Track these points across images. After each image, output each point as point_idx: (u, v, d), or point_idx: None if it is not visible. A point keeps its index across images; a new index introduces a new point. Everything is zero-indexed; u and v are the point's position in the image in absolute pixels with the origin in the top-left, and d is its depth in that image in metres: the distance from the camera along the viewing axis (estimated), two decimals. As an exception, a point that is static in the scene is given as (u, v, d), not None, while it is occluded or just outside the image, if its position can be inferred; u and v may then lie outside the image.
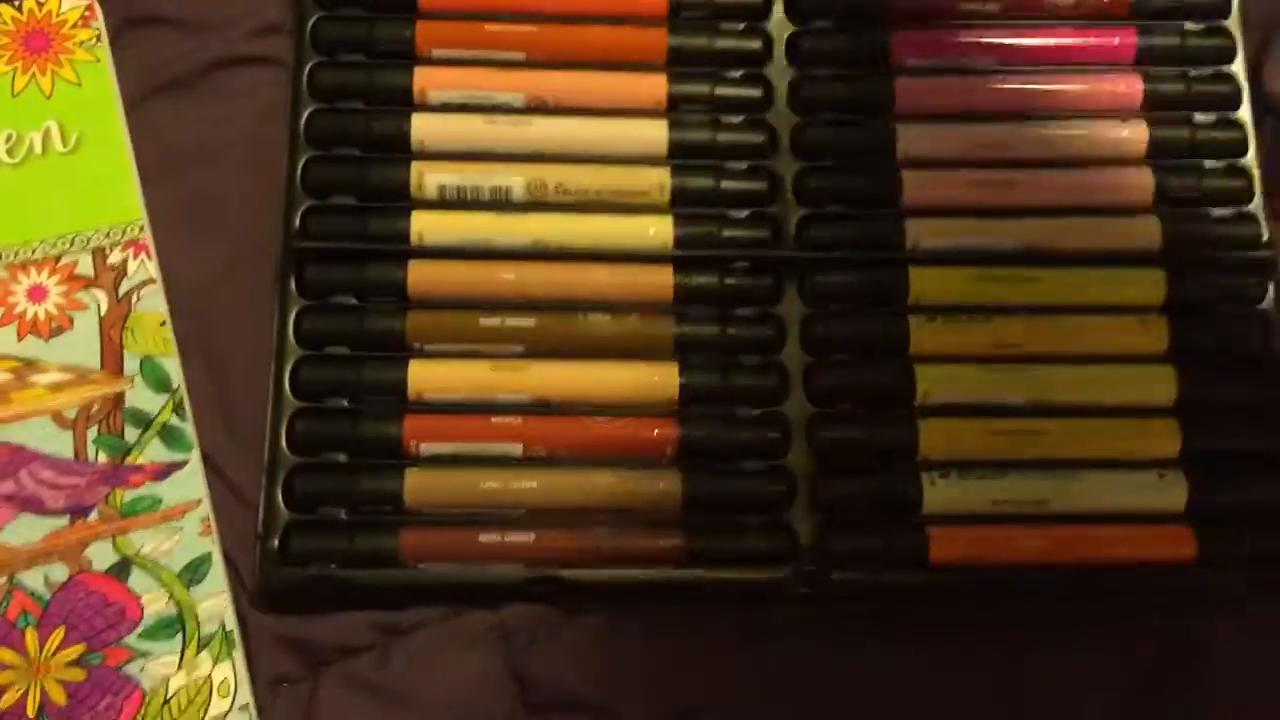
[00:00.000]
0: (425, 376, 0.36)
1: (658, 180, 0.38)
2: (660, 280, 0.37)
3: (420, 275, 0.36)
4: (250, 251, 0.37)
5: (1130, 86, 0.39)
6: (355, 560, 0.34)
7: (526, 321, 0.36)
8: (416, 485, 0.35)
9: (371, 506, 0.35)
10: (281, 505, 0.34)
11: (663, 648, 0.34)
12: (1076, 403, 0.37)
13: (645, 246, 0.37)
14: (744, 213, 0.38)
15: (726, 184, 0.38)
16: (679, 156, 0.38)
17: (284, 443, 0.35)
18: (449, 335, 0.36)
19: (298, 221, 0.37)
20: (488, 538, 0.34)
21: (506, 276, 0.37)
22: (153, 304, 0.35)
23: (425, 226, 0.37)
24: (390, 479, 0.35)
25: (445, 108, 0.38)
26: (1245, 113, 0.39)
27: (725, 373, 0.36)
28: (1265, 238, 0.38)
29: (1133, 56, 0.40)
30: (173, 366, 0.35)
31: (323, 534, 0.34)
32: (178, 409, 0.34)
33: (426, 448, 0.35)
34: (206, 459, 0.35)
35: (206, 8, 0.39)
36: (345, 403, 0.36)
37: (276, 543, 0.34)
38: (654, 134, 0.38)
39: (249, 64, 0.39)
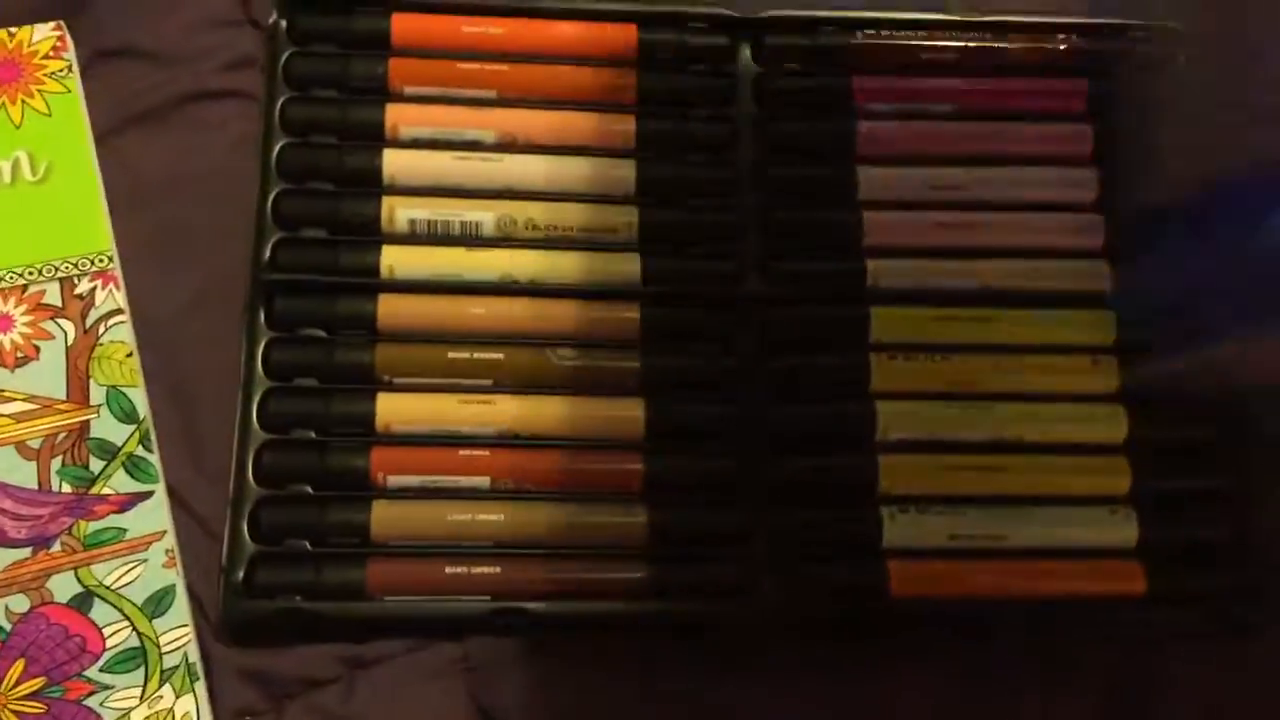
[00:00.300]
0: (393, 409, 0.36)
1: (625, 217, 0.39)
2: (627, 315, 0.38)
3: (390, 308, 0.37)
4: (219, 283, 0.37)
5: (1081, 135, 0.41)
6: (320, 593, 0.34)
7: (495, 355, 0.37)
8: (383, 517, 0.35)
9: (338, 539, 0.35)
10: (247, 537, 0.34)
11: (628, 681, 0.34)
12: (1032, 440, 0.38)
13: (613, 282, 0.38)
14: (709, 249, 0.39)
15: (693, 221, 0.39)
16: (647, 194, 0.39)
17: (250, 474, 0.35)
18: (417, 368, 0.37)
19: (268, 254, 0.37)
20: (454, 570, 0.34)
21: (476, 311, 0.37)
22: (120, 335, 0.35)
23: (395, 260, 0.37)
24: (357, 511, 0.35)
25: (416, 143, 0.39)
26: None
27: (689, 407, 0.37)
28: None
29: (1084, 106, 0.41)
30: (139, 397, 0.35)
31: (288, 566, 0.34)
32: (144, 440, 0.34)
33: (394, 480, 0.35)
34: (172, 490, 0.35)
35: (178, 41, 0.39)
36: (313, 434, 0.36)
37: (241, 575, 0.34)
38: (622, 172, 0.39)
39: (220, 97, 0.39)
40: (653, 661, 0.35)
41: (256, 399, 0.35)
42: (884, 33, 0.41)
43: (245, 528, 0.34)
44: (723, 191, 0.39)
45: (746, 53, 0.41)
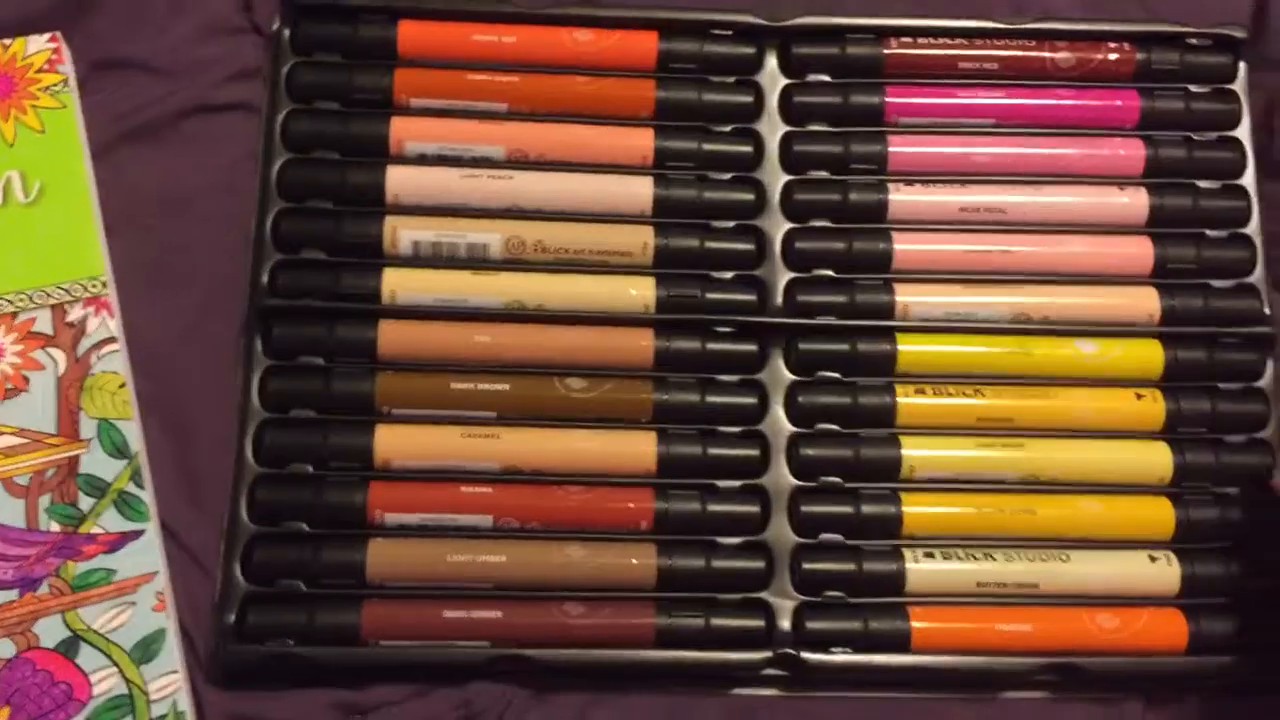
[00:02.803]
0: (393, 442, 0.34)
1: (641, 239, 0.37)
2: (640, 344, 0.36)
3: (391, 336, 0.35)
4: (217, 308, 0.36)
5: (1132, 151, 0.38)
6: (314, 637, 0.33)
7: (500, 386, 0.35)
8: (380, 557, 0.33)
9: (332, 579, 0.33)
10: (239, 577, 0.33)
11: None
12: (1067, 480, 0.36)
13: (626, 308, 0.36)
14: (729, 275, 0.37)
15: (712, 244, 0.37)
16: (664, 214, 0.37)
17: (244, 510, 0.33)
18: (419, 399, 0.35)
19: (266, 277, 0.35)
20: (453, 614, 0.33)
21: (481, 338, 0.35)
22: (113, 364, 0.34)
23: (398, 284, 0.36)
24: (353, 550, 0.33)
25: (422, 160, 0.37)
26: (1249, 179, 0.38)
27: (705, 442, 0.35)
28: (1267, 312, 0.37)
29: (1136, 120, 0.38)
30: (132, 431, 0.34)
31: (281, 608, 0.33)
32: (135, 476, 0.33)
33: (392, 517, 0.34)
34: (166, 526, 0.33)
35: (180, 51, 0.38)
36: (309, 468, 0.34)
37: (233, 617, 0.33)
38: (639, 190, 0.37)
39: (221, 111, 0.37)
40: (662, 710, 0.33)
41: (252, 430, 0.34)
42: (920, 41, 0.38)
43: (238, 567, 0.33)
44: (744, 212, 0.37)
45: (773, 63, 0.38)
